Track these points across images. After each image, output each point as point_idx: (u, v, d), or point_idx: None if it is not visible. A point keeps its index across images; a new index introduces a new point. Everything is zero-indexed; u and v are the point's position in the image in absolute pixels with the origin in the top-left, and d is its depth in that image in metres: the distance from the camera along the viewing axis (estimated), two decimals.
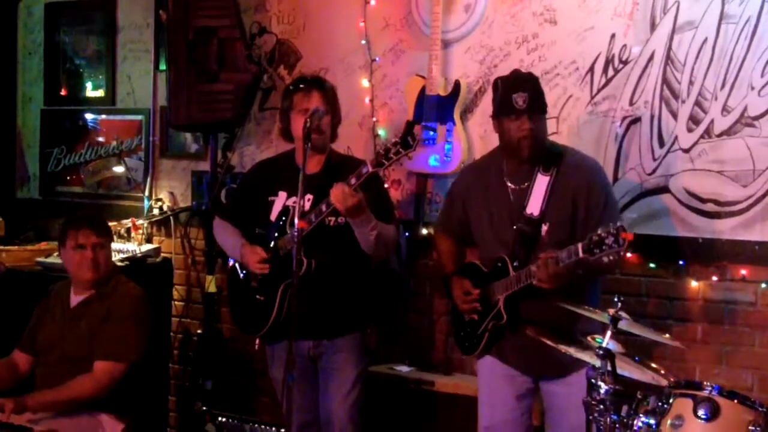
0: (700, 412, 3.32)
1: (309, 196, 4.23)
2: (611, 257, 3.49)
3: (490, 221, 4.04)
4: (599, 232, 3.48)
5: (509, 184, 4.00)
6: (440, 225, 4.40)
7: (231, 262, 4.56)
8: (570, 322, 3.72)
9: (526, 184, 3.95)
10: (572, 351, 3.48)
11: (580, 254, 3.55)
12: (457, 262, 4.26)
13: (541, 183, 3.92)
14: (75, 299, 4.49)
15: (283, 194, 4.32)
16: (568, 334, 3.59)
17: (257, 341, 4.43)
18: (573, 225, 3.87)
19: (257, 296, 4.33)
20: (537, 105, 3.90)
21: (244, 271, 4.43)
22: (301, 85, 4.34)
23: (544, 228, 3.88)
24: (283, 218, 4.25)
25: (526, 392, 4.07)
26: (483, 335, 4.03)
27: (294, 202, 4.20)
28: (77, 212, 4.74)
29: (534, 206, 3.91)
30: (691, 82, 4.38)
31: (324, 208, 4.06)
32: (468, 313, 4.07)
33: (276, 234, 4.27)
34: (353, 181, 3.99)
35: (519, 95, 3.85)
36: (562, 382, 3.95)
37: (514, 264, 3.89)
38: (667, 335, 3.68)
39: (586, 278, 3.84)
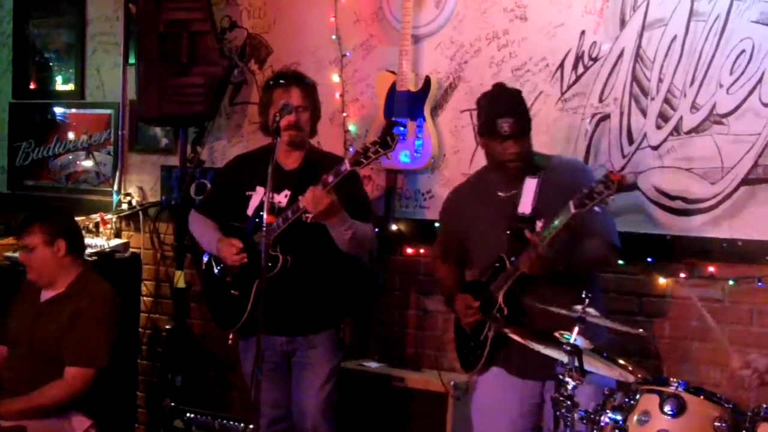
0: (667, 408, 3.34)
1: (287, 192, 4.23)
2: (605, 205, 3.49)
3: (485, 231, 4.00)
4: (590, 185, 3.49)
5: (499, 193, 3.98)
6: (437, 253, 4.37)
7: (205, 258, 4.53)
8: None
9: (514, 190, 3.93)
10: (553, 352, 3.48)
11: (572, 210, 3.53)
12: (458, 282, 4.22)
13: (530, 185, 3.90)
14: (45, 294, 4.46)
15: (260, 189, 4.30)
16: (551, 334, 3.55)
17: (231, 335, 4.43)
18: None
19: (231, 291, 4.31)
20: (523, 128, 3.84)
21: (219, 266, 4.41)
22: (281, 81, 4.33)
23: (539, 224, 3.82)
24: (261, 213, 4.22)
25: (532, 408, 3.98)
26: (485, 342, 3.96)
27: (272, 198, 4.18)
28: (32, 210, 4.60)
29: (526, 205, 3.89)
30: (660, 80, 4.40)
31: (298, 208, 4.05)
32: (471, 326, 4.03)
33: (253, 229, 4.25)
34: (330, 179, 3.98)
35: (504, 121, 3.79)
36: None
37: (511, 259, 3.85)
38: (640, 328, 3.68)
39: (575, 274, 3.81)
